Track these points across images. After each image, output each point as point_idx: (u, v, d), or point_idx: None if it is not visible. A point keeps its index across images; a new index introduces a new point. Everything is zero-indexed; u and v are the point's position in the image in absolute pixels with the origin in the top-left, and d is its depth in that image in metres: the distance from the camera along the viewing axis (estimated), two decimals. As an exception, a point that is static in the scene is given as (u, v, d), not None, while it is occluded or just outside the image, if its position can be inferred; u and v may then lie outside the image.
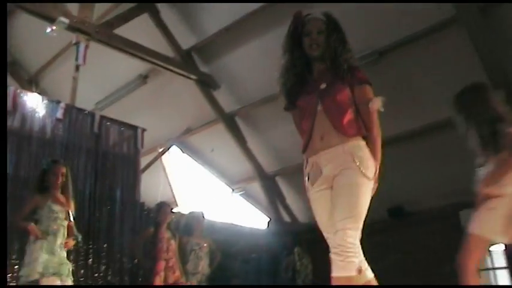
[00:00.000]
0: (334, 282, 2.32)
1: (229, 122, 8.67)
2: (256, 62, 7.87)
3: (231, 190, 9.90)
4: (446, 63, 6.52)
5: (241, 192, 9.88)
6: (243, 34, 7.62)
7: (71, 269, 4.19)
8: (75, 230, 4.33)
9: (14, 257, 4.84)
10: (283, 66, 2.84)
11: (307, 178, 2.63)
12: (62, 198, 4.29)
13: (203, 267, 5.75)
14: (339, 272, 2.30)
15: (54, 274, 3.97)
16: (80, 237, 4.56)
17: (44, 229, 4.06)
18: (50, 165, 4.41)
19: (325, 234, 2.56)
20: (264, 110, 8.33)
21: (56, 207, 4.18)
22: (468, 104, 3.34)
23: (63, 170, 4.36)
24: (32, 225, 4.02)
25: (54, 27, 6.33)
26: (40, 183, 4.29)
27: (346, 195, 2.39)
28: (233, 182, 9.85)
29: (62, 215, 4.19)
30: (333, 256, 2.36)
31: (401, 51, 6.69)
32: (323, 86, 2.59)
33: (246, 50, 7.80)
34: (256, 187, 9.33)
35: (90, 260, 5.52)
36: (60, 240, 4.13)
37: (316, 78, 2.67)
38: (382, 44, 6.74)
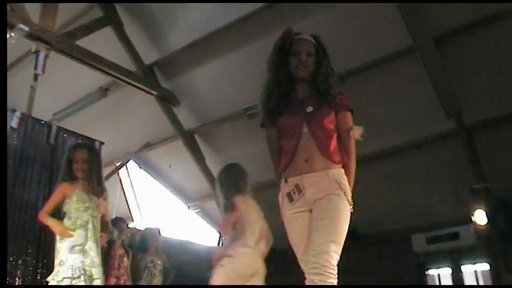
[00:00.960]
0: None
1: (188, 139, 8.66)
2: (218, 81, 7.94)
3: (188, 207, 9.85)
4: (401, 91, 6.76)
5: (198, 210, 9.84)
6: (206, 52, 7.67)
7: (101, 272, 3.59)
8: (110, 224, 3.89)
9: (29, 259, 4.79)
10: (266, 83, 2.81)
11: (285, 198, 2.59)
12: (93, 187, 3.73)
13: (157, 284, 5.67)
14: None
15: (84, 278, 3.39)
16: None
17: (72, 223, 3.54)
18: (70, 151, 3.88)
19: (298, 256, 2.55)
20: (224, 129, 8.39)
21: (85, 196, 3.65)
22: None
23: (84, 155, 3.78)
24: (55, 222, 3.55)
25: (13, 34, 6.21)
26: (66, 172, 3.76)
27: (331, 220, 2.42)
28: (190, 199, 9.80)
29: (93, 205, 3.66)
30: (312, 277, 2.34)
31: (357, 78, 6.85)
32: (310, 109, 2.58)
33: (208, 68, 7.86)
34: (213, 205, 9.30)
35: (39, 275, 5.36)
36: (91, 234, 3.55)
37: (301, 99, 2.65)
38: (341, 70, 6.92)
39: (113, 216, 6.63)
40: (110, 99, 8.58)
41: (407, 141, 7.08)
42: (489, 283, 7.12)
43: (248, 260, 3.71)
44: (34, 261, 5.34)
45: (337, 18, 6.50)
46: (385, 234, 7.82)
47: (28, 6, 6.53)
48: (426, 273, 7.73)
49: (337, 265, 2.38)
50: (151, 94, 8.10)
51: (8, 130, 5.70)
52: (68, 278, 3.29)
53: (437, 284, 7.70)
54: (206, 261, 8.01)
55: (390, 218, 7.71)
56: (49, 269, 5.31)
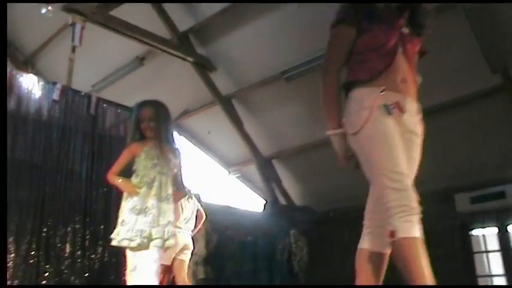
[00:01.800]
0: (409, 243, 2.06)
1: (226, 104, 8.66)
2: (253, 45, 7.85)
3: (228, 172, 9.94)
4: (444, 46, 6.51)
5: (238, 175, 9.92)
6: (239, 17, 7.57)
7: (167, 231, 3.28)
8: (182, 180, 3.62)
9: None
10: None
11: (379, 108, 2.21)
12: (162, 144, 3.49)
13: (199, 248, 5.78)
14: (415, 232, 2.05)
15: (140, 240, 3.18)
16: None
17: (138, 181, 3.35)
18: (136, 110, 3.68)
19: (403, 169, 2.15)
20: (261, 93, 8.33)
21: (154, 153, 3.43)
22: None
23: (150, 113, 3.57)
24: (123, 181, 3.38)
25: (49, 8, 6.27)
26: (134, 132, 3.56)
27: (418, 158, 2.36)
28: (230, 165, 9.88)
29: (161, 162, 3.43)
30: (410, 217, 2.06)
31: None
32: (405, 30, 2.37)
33: (243, 32, 7.76)
34: (253, 170, 9.36)
35: (87, 241, 5.55)
36: (156, 192, 3.32)
37: (393, 17, 2.38)
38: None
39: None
40: (147, 68, 8.63)
41: (451, 98, 6.87)
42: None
43: (177, 238, 4.54)
44: (82, 230, 5.54)
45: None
46: (428, 195, 7.68)
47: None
48: (471, 233, 7.60)
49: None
50: (187, 61, 8.10)
51: (50, 102, 5.83)
52: (127, 239, 3.20)
53: (483, 245, 7.57)
54: (248, 225, 8.20)
55: (434, 178, 7.58)
56: (95, 236, 5.55)
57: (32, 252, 5.00)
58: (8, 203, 4.45)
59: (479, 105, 6.84)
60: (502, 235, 7.25)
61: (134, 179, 3.36)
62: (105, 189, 5.86)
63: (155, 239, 3.21)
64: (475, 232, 7.63)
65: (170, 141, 3.59)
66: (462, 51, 6.45)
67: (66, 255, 5.27)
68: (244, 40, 7.84)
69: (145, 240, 3.18)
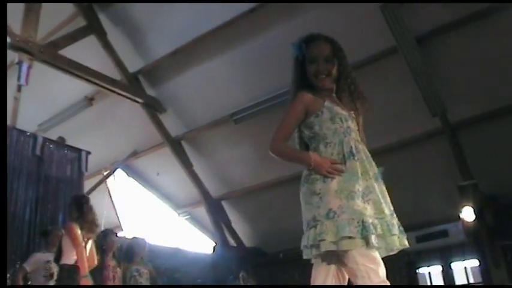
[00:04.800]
0: None
1: (176, 146, 8.64)
2: (203, 87, 7.94)
3: (177, 214, 9.82)
4: (387, 91, 6.79)
5: (187, 216, 9.82)
6: (189, 59, 7.67)
7: None
8: None
9: None
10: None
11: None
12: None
13: (146, 291, 5.64)
14: None
15: None
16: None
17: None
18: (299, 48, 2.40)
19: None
20: (211, 135, 8.38)
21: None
22: None
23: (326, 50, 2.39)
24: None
25: (-5, 46, 6.15)
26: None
27: None
28: (179, 206, 9.78)
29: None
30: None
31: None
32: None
33: (193, 74, 7.85)
34: (202, 211, 9.29)
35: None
36: None
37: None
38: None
39: (102, 228, 6.58)
40: (96, 108, 8.54)
41: (394, 141, 7.13)
42: (479, 279, 7.18)
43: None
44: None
45: (318, 19, 6.50)
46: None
47: (10, 17, 6.46)
48: (417, 271, 7.78)
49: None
50: (137, 102, 8.08)
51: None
52: None
53: (428, 283, 7.76)
54: (197, 268, 8.08)
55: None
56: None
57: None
58: None
59: (422, 147, 7.13)
60: (446, 272, 7.47)
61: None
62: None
63: None
64: (421, 270, 7.82)
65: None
66: (405, 95, 6.75)
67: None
68: (194, 82, 7.92)
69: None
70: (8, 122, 6.10)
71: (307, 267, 2.55)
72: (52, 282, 4.81)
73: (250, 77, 7.46)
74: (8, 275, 5.08)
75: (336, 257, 2.20)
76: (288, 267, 8.43)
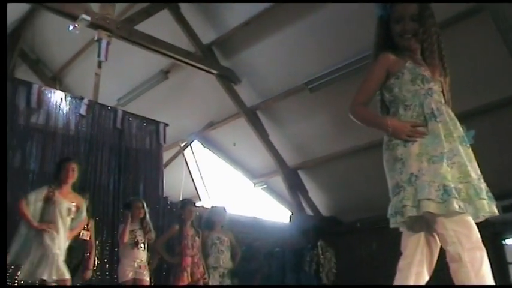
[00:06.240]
0: None
1: (251, 116, 8.65)
2: (277, 56, 7.85)
3: (253, 184, 9.91)
4: (471, 53, 6.40)
5: (264, 186, 9.89)
6: (262, 28, 7.59)
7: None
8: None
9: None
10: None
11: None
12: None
13: (224, 261, 5.74)
14: None
15: None
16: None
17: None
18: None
19: None
20: (286, 104, 8.31)
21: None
22: None
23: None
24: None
25: (76, 25, 6.40)
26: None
27: None
28: (255, 176, 9.85)
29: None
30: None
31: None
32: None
33: (267, 43, 7.78)
34: (279, 181, 9.31)
35: (115, 255, 5.58)
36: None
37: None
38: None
39: (181, 197, 6.75)
40: (171, 81, 8.72)
41: (480, 104, 6.73)
42: None
43: None
44: (110, 242, 5.60)
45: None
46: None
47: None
48: (503, 242, 7.40)
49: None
50: (212, 73, 8.15)
51: (77, 117, 5.93)
52: None
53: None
54: (274, 237, 8.14)
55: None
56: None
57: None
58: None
59: (506, 112, 6.68)
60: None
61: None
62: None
63: None
64: (508, 241, 7.42)
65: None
66: (491, 56, 6.33)
67: (95, 268, 5.30)
68: (268, 51, 7.85)
69: None
70: (90, 97, 6.37)
71: (385, 236, 2.46)
72: (137, 250, 5.03)
73: (325, 44, 7.28)
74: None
75: (426, 224, 2.11)
76: (365, 236, 8.31)
